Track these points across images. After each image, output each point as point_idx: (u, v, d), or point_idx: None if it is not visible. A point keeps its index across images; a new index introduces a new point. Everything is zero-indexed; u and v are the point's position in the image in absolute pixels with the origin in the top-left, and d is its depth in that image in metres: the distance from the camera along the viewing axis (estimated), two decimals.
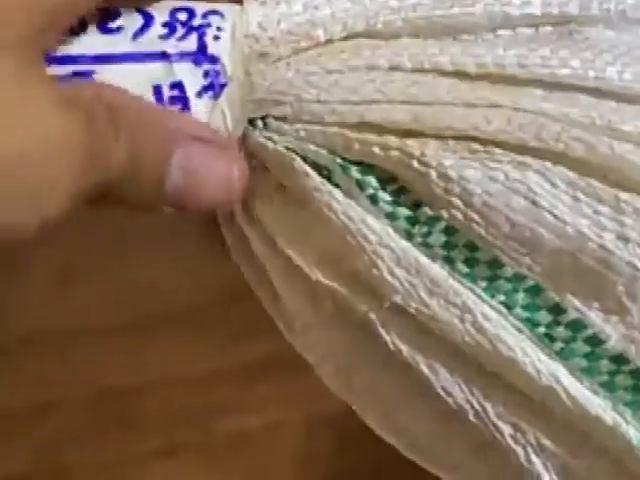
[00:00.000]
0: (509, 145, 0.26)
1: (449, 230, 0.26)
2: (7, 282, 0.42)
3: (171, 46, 0.28)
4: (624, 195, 0.26)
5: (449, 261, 0.26)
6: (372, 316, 0.27)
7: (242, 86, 0.28)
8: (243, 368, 0.42)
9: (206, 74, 0.27)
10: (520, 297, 0.26)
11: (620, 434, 0.26)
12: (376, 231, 0.26)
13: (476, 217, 0.26)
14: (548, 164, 0.26)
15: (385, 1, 0.28)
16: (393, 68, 0.27)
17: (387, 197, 0.26)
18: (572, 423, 0.26)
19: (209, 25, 0.28)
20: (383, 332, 0.27)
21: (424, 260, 0.26)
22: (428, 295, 0.26)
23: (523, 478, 0.27)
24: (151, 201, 0.26)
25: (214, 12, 0.28)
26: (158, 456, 0.40)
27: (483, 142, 0.26)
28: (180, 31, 0.28)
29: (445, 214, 0.26)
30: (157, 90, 0.27)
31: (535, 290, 0.26)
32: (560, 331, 0.26)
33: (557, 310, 0.26)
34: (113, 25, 0.28)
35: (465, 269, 0.26)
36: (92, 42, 0.28)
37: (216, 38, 0.28)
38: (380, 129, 0.26)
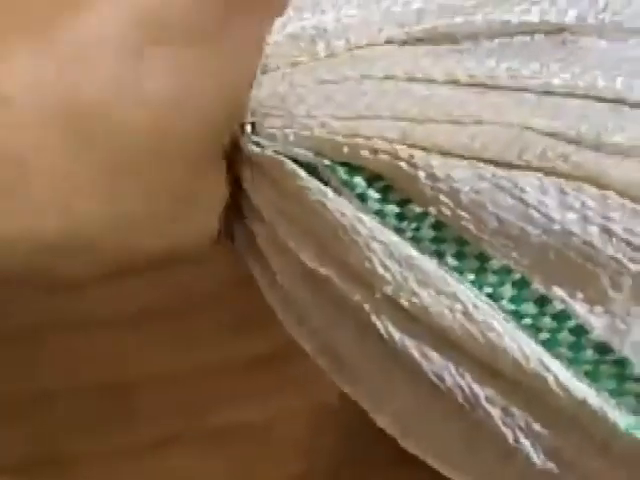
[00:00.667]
0: (494, 162, 0.27)
1: (438, 225, 0.27)
2: None
3: None
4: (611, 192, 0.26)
5: (438, 254, 0.27)
6: (365, 306, 0.28)
7: None
8: (242, 359, 0.42)
9: None
10: (507, 289, 0.27)
11: (605, 418, 0.26)
12: (367, 226, 0.27)
13: (463, 214, 0.27)
14: (534, 173, 0.27)
15: (390, 11, 0.29)
16: (387, 77, 0.28)
17: (375, 195, 0.27)
18: (560, 408, 0.27)
19: None
20: (376, 320, 0.28)
21: (414, 253, 0.27)
22: (419, 286, 0.27)
23: (511, 458, 0.27)
24: None
25: None
26: (157, 447, 0.41)
27: (470, 158, 0.27)
28: None
29: (433, 211, 0.27)
30: None
31: (521, 283, 0.27)
32: (546, 322, 0.27)
33: (543, 302, 0.27)
34: None
35: (454, 262, 0.27)
36: None
37: None
38: (369, 137, 0.27)
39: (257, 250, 0.30)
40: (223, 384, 0.42)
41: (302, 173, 0.28)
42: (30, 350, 0.41)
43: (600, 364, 0.27)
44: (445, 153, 0.26)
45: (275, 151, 0.28)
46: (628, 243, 0.26)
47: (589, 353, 0.27)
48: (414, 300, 0.27)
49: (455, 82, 0.27)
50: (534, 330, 0.27)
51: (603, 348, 0.27)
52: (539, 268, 0.27)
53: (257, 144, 0.28)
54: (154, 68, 0.26)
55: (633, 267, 0.26)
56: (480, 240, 0.27)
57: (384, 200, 0.27)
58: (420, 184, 0.27)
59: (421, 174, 0.27)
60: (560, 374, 0.26)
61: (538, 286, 0.27)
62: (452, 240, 0.27)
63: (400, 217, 0.27)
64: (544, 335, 0.27)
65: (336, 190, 0.27)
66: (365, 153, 0.27)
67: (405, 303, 0.27)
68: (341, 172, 0.27)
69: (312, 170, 0.28)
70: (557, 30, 0.28)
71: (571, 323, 0.27)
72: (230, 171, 0.29)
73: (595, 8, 0.28)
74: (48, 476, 0.40)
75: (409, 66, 0.28)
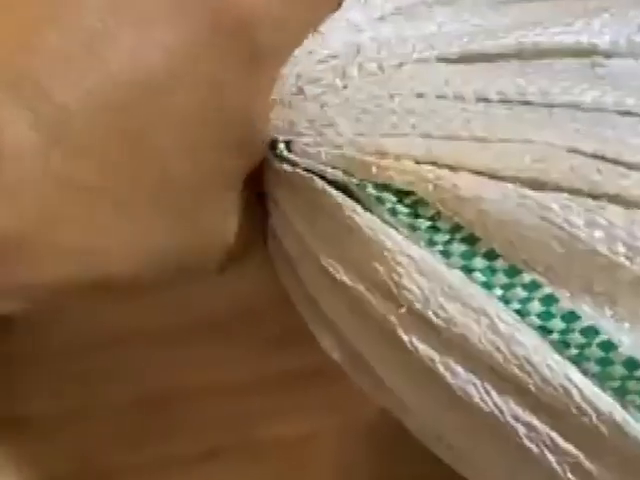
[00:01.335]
0: (520, 180, 0.27)
1: (469, 239, 0.27)
2: None
3: None
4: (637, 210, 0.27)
5: (467, 269, 0.27)
6: (392, 319, 0.28)
7: None
8: (280, 376, 0.42)
9: None
10: (535, 305, 0.27)
11: (632, 433, 0.27)
12: (396, 241, 0.28)
13: (493, 232, 0.27)
14: (561, 193, 0.27)
15: (424, 33, 0.29)
16: (418, 96, 0.28)
17: (405, 210, 0.28)
18: (584, 423, 0.27)
19: None
20: (402, 334, 0.28)
21: (443, 267, 0.27)
22: (446, 300, 0.27)
23: (539, 472, 0.28)
24: None
25: None
26: (196, 461, 0.41)
27: (496, 178, 0.27)
28: None
29: (464, 225, 0.27)
30: None
31: (549, 299, 0.27)
32: (574, 337, 0.27)
33: (571, 317, 0.27)
34: None
35: (482, 277, 0.27)
36: None
37: None
38: (397, 156, 0.28)
39: (289, 263, 0.31)
40: (259, 400, 0.42)
41: (332, 190, 0.28)
42: (70, 365, 0.42)
43: (629, 380, 0.27)
44: (470, 171, 0.27)
45: (305, 169, 0.29)
46: None
47: (618, 368, 0.27)
48: (440, 313, 0.27)
49: (485, 100, 0.28)
50: (562, 345, 0.27)
51: (632, 364, 0.27)
52: (567, 285, 0.27)
53: (289, 161, 0.29)
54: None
55: None
56: (510, 255, 0.27)
57: (415, 214, 0.28)
58: (449, 203, 0.27)
59: (448, 196, 0.27)
60: (585, 388, 0.27)
61: (566, 302, 0.27)
62: (482, 255, 0.27)
63: (432, 230, 0.28)
64: (572, 351, 0.27)
65: (365, 206, 0.28)
66: (393, 174, 0.27)
67: (432, 316, 0.27)
68: (370, 188, 0.28)
69: (342, 187, 0.28)
70: (589, 53, 0.29)
71: (600, 338, 0.27)
72: (257, 187, 0.30)
73: (628, 29, 0.29)
74: None
75: (439, 84, 0.28)
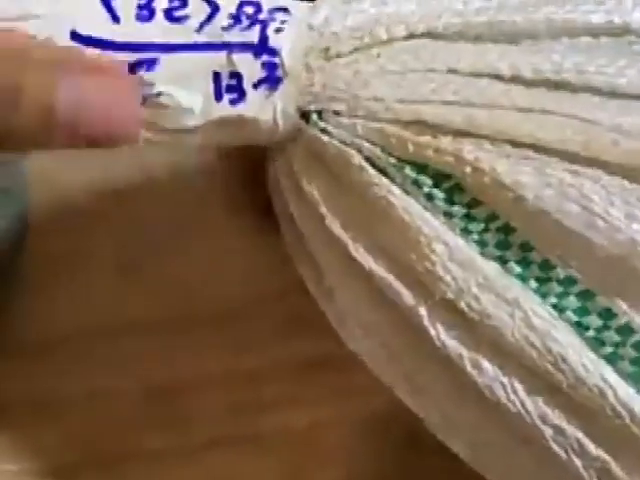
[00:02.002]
0: (561, 153, 0.26)
1: (505, 229, 0.27)
2: (62, 278, 0.43)
3: (234, 36, 0.28)
4: None
5: (502, 260, 0.27)
6: (420, 310, 0.27)
7: (299, 80, 0.28)
8: (291, 365, 0.42)
9: (264, 66, 0.28)
10: (571, 301, 0.26)
11: None
12: (432, 226, 0.27)
13: (529, 221, 0.26)
14: (601, 172, 0.26)
15: (449, 4, 0.28)
16: (451, 71, 0.27)
17: (442, 195, 0.27)
18: (618, 425, 0.26)
19: (273, 20, 0.29)
20: (430, 326, 0.27)
21: (477, 257, 0.26)
22: (480, 290, 0.26)
23: (564, 476, 0.27)
24: (41, 135, 0.26)
25: (282, 9, 0.29)
26: (204, 449, 0.40)
27: (537, 149, 0.26)
28: (245, 22, 0.28)
29: (500, 215, 0.26)
30: (216, 77, 0.28)
31: (586, 294, 0.26)
32: (609, 335, 0.26)
33: (607, 315, 0.26)
34: (180, 13, 0.29)
35: (517, 269, 0.26)
36: (158, 30, 0.28)
37: (278, 31, 0.28)
38: (435, 129, 0.27)
39: (305, 247, 0.30)
40: (272, 388, 0.41)
41: (370, 169, 0.27)
42: (80, 351, 0.41)
43: None
44: (512, 143, 0.26)
45: (341, 141, 0.28)
46: None
47: None
48: (474, 304, 0.26)
49: (521, 77, 0.27)
50: (598, 343, 0.26)
51: None
52: (604, 280, 0.26)
53: (324, 131, 0.28)
54: None
55: None
56: (545, 248, 0.26)
57: (451, 200, 0.27)
58: (486, 188, 0.26)
59: (486, 179, 0.26)
60: (620, 389, 0.26)
61: (603, 298, 0.26)
62: (517, 246, 0.26)
63: (467, 218, 0.27)
64: (607, 349, 0.26)
65: (402, 188, 0.27)
66: (430, 153, 0.27)
67: (464, 307, 0.26)
68: (409, 170, 0.27)
69: (377, 166, 0.27)
70: (622, 32, 0.28)
71: (635, 338, 0.26)
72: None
73: None
74: (94, 477, 0.40)
75: (473, 60, 0.27)
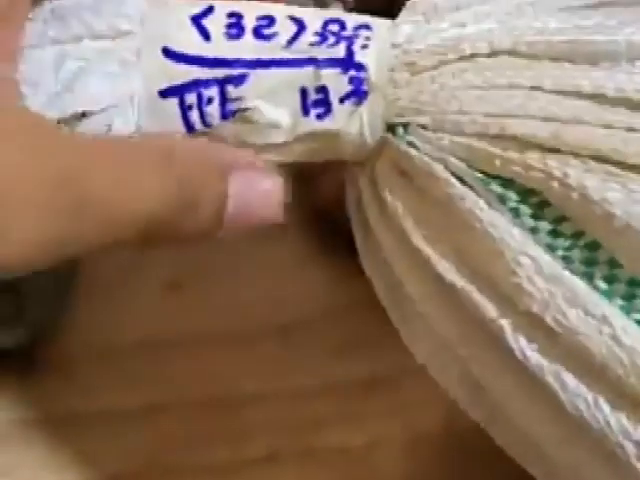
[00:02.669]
0: None
1: (591, 246, 0.27)
2: (122, 290, 0.44)
3: (321, 52, 0.29)
4: None
5: (588, 277, 0.27)
6: (503, 322, 0.27)
7: (385, 94, 0.28)
8: (346, 384, 0.42)
9: (351, 80, 0.28)
10: None
11: None
12: (518, 240, 0.27)
13: (617, 238, 0.26)
14: None
15: (530, 23, 0.29)
16: (534, 88, 0.28)
17: (528, 210, 0.27)
18: None
19: (357, 36, 0.29)
20: (512, 339, 0.27)
21: (564, 272, 0.26)
22: (567, 305, 0.26)
23: None
24: (210, 232, 0.29)
25: (364, 26, 0.29)
26: (260, 464, 0.41)
27: (622, 165, 0.26)
28: (331, 40, 0.29)
29: (587, 231, 0.27)
30: (303, 93, 0.29)
31: None
32: None
33: None
34: (268, 32, 0.29)
35: (604, 285, 0.26)
36: (247, 47, 0.29)
37: (364, 47, 0.29)
38: (521, 144, 0.27)
39: (382, 261, 0.30)
40: (324, 406, 0.42)
41: (456, 182, 0.27)
42: (141, 364, 0.41)
43: None
44: (597, 159, 0.26)
45: (427, 155, 0.28)
46: None
47: None
48: (561, 319, 0.26)
49: (604, 95, 0.27)
50: None
51: None
52: None
53: (411, 144, 0.28)
54: None
55: None
56: (632, 265, 0.26)
57: (537, 216, 0.27)
58: (573, 204, 0.26)
59: (574, 195, 0.26)
60: None
61: None
62: (604, 263, 0.26)
63: (553, 234, 0.27)
64: None
65: (488, 202, 0.27)
66: (517, 169, 0.27)
67: (551, 322, 0.26)
68: (495, 185, 0.27)
69: (463, 180, 0.28)
70: None
71: None
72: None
73: None
74: None
75: (557, 77, 0.28)
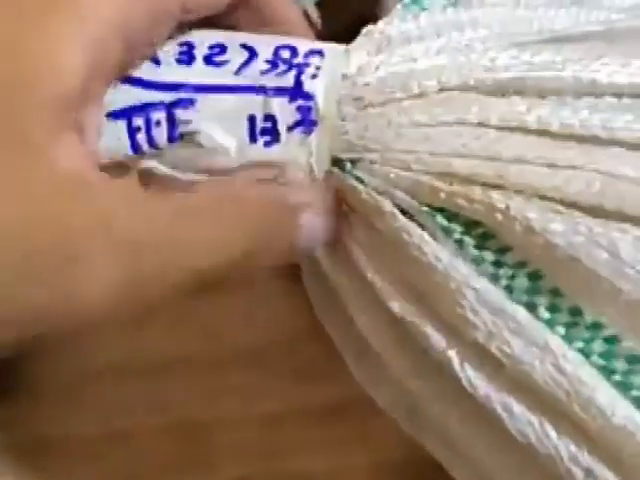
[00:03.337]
0: (589, 208, 0.27)
1: (534, 276, 0.27)
2: None
3: (270, 80, 0.29)
4: None
5: (531, 306, 0.27)
6: (450, 353, 0.27)
7: (332, 126, 0.29)
8: (310, 408, 0.42)
9: (299, 109, 0.29)
10: (598, 345, 0.27)
11: None
12: (462, 272, 0.27)
13: (560, 267, 0.27)
14: (629, 225, 0.26)
15: (479, 60, 0.29)
16: (481, 124, 0.28)
17: (472, 241, 0.27)
18: None
19: (308, 65, 0.29)
20: (459, 369, 0.27)
21: (507, 302, 0.27)
22: (511, 335, 0.27)
23: None
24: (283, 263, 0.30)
25: (316, 52, 0.30)
26: None
27: (565, 204, 0.27)
28: (281, 67, 0.29)
29: (530, 261, 0.27)
30: (251, 120, 0.29)
31: (612, 339, 0.27)
32: (636, 380, 0.26)
33: (634, 359, 0.27)
34: (219, 59, 0.29)
35: (546, 314, 0.27)
36: (197, 72, 0.29)
37: (313, 77, 0.29)
38: (465, 180, 0.27)
39: (333, 296, 0.30)
40: (292, 431, 0.42)
41: (401, 216, 0.28)
42: (109, 390, 0.42)
43: None
44: (540, 197, 0.27)
45: (375, 189, 0.28)
46: None
47: None
48: (505, 349, 0.27)
49: (549, 131, 0.28)
50: (624, 387, 0.26)
51: None
52: (631, 325, 0.27)
53: (358, 179, 0.28)
54: None
55: None
56: (574, 294, 0.27)
57: (481, 247, 0.27)
58: (517, 235, 0.27)
59: (517, 226, 0.27)
60: None
61: (630, 343, 0.27)
62: (546, 292, 0.27)
63: (497, 264, 0.27)
64: (635, 392, 0.26)
65: (432, 235, 0.28)
66: (461, 202, 0.27)
67: (496, 351, 0.27)
68: (440, 218, 0.27)
69: (408, 213, 0.28)
70: None
71: None
72: None
73: None
74: None
75: (503, 113, 0.28)
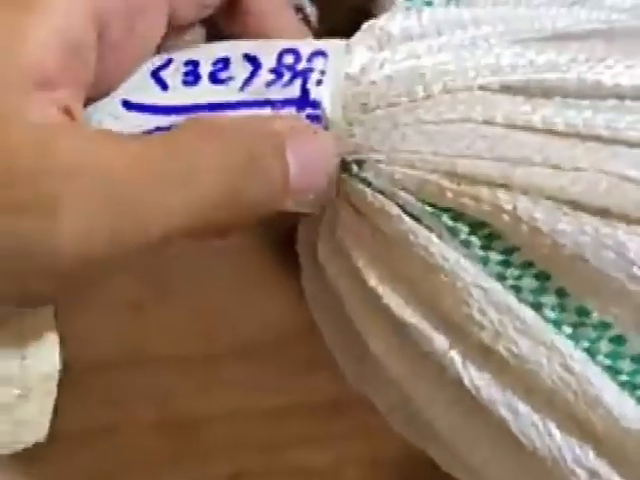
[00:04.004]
0: (594, 209, 0.27)
1: (540, 276, 0.27)
2: (79, 308, 0.44)
3: (276, 93, 0.29)
4: None
5: (537, 306, 0.27)
6: (453, 354, 0.28)
7: (340, 131, 0.29)
8: (310, 403, 0.42)
9: (307, 118, 0.29)
10: (604, 345, 0.27)
11: None
12: (469, 272, 0.27)
13: (566, 268, 0.27)
14: (634, 225, 0.26)
15: (484, 59, 0.29)
16: (486, 122, 0.28)
17: (479, 242, 0.27)
18: None
19: (312, 70, 0.29)
20: (462, 369, 0.28)
21: (514, 301, 0.27)
22: (518, 335, 0.27)
23: None
24: (280, 201, 0.28)
25: (319, 53, 0.30)
26: None
27: (571, 205, 0.27)
28: (286, 76, 0.29)
29: (536, 262, 0.27)
30: None
31: (619, 339, 0.27)
32: None
33: None
34: (223, 76, 0.29)
35: (552, 314, 0.27)
36: (204, 92, 0.30)
37: (319, 83, 0.29)
38: (471, 180, 0.27)
39: (333, 299, 0.31)
40: (289, 426, 0.42)
41: (406, 218, 0.28)
42: (103, 384, 0.41)
43: None
44: (547, 197, 0.27)
45: (380, 191, 0.28)
46: None
47: None
48: (512, 348, 0.27)
49: (553, 130, 0.28)
50: (630, 387, 0.27)
51: None
52: (637, 325, 0.27)
53: (364, 180, 0.28)
54: None
55: None
56: (581, 294, 0.27)
57: (488, 247, 0.27)
58: (523, 236, 0.27)
59: (524, 227, 0.27)
60: None
61: (636, 343, 0.27)
62: (553, 292, 0.27)
63: (504, 264, 0.27)
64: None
65: (439, 235, 0.28)
66: (468, 201, 0.27)
67: (502, 351, 0.27)
68: (445, 218, 0.27)
69: (413, 214, 0.28)
70: None
71: None
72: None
73: None
74: None
75: (508, 112, 0.28)
